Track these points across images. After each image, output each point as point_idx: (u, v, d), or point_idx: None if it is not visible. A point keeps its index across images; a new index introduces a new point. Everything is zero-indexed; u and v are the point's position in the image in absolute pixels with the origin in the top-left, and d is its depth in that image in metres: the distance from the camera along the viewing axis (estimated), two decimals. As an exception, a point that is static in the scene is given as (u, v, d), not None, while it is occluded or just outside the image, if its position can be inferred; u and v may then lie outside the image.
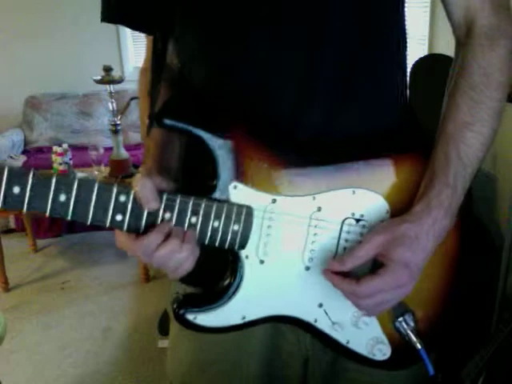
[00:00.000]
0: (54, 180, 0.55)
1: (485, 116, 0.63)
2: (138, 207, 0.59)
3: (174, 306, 0.65)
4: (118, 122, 2.75)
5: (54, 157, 2.78)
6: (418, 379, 0.75)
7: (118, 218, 0.58)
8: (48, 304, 2.60)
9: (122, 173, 2.73)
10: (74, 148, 3.46)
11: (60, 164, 2.76)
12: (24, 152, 3.79)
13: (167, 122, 0.60)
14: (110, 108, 2.80)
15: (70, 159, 2.82)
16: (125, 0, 0.71)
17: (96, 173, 2.82)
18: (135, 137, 3.76)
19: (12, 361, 2.18)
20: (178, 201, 0.60)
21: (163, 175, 0.65)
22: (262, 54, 0.64)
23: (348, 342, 0.68)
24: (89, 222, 0.58)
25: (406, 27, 0.70)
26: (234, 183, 0.62)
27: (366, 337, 0.68)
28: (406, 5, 0.69)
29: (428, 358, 0.65)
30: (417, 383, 0.76)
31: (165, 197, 0.59)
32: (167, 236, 0.59)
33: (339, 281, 0.61)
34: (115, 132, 2.76)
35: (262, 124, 0.64)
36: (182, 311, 0.64)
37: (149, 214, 0.59)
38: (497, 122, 0.64)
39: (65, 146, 2.86)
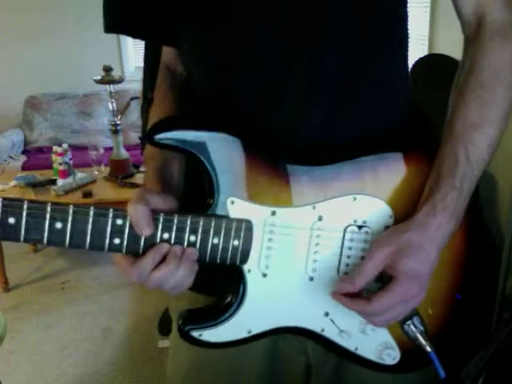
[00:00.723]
0: (48, 209, 0.55)
1: (494, 117, 0.62)
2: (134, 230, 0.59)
3: (180, 323, 0.64)
4: (118, 122, 2.75)
5: (54, 157, 2.78)
6: (422, 380, 0.74)
7: (116, 241, 0.58)
8: (48, 304, 2.60)
9: (122, 173, 2.73)
10: (74, 148, 3.46)
11: (60, 164, 2.76)
12: (24, 152, 3.80)
13: (158, 139, 0.59)
14: (110, 108, 2.80)
15: (70, 159, 2.82)
16: (125, 10, 0.71)
17: (96, 173, 2.82)
18: (135, 137, 3.76)
19: (12, 361, 2.18)
20: (175, 221, 0.59)
21: (165, 190, 0.65)
22: (262, 54, 0.64)
23: (357, 349, 0.67)
24: (87, 248, 0.57)
25: (408, 26, 0.69)
26: (231, 198, 0.61)
27: (374, 342, 0.67)
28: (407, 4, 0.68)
29: (438, 361, 0.64)
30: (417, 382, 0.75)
31: (161, 218, 0.59)
32: (164, 256, 0.59)
33: (349, 302, 0.60)
34: (115, 132, 2.76)
35: (260, 132, 0.64)
36: (187, 329, 0.64)
37: (148, 236, 0.59)
38: (505, 123, 0.63)
39: (65, 146, 2.85)
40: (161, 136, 0.59)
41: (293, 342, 0.73)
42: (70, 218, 0.56)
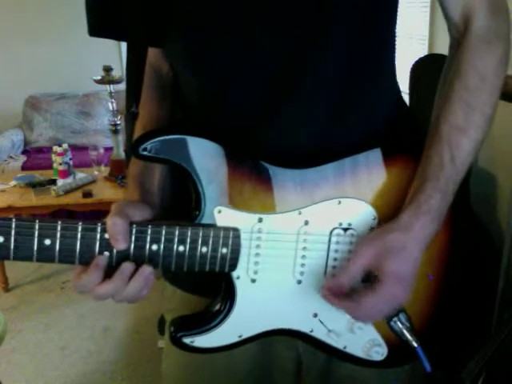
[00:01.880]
0: (37, 226, 0.56)
1: (479, 122, 0.63)
2: None
3: (171, 330, 0.65)
4: (118, 122, 2.76)
5: (54, 157, 2.78)
6: (407, 373, 0.76)
7: (105, 255, 0.59)
8: (48, 304, 2.60)
9: (121, 173, 2.73)
10: (74, 148, 3.47)
11: (60, 164, 2.76)
12: (24, 152, 3.80)
13: (143, 152, 0.60)
14: (110, 108, 2.80)
15: (70, 159, 2.82)
16: (108, 12, 0.69)
17: (96, 173, 2.82)
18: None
19: (12, 361, 2.18)
20: (163, 232, 0.60)
21: (144, 197, 0.66)
22: (262, 54, 0.63)
23: (345, 347, 0.69)
24: (77, 263, 0.58)
25: (396, 28, 0.69)
26: (218, 207, 0.62)
27: (362, 340, 0.69)
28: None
29: (424, 356, 0.66)
30: (406, 376, 0.77)
31: (150, 230, 0.59)
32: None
33: (336, 301, 0.62)
34: (115, 132, 2.77)
35: (245, 139, 0.64)
36: (179, 335, 0.65)
37: (136, 248, 0.59)
38: (488, 127, 0.64)
39: (65, 145, 2.86)
40: (145, 146, 0.60)
41: (283, 339, 0.73)
42: (58, 235, 0.57)
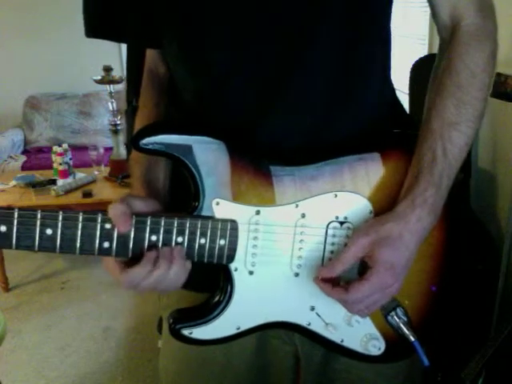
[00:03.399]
0: (39, 216, 0.57)
1: (470, 117, 0.64)
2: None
3: (170, 322, 0.66)
4: (118, 122, 2.76)
5: (54, 157, 2.78)
6: (403, 369, 0.76)
7: (106, 245, 0.59)
8: (48, 304, 2.60)
9: (122, 173, 2.73)
10: (74, 148, 3.47)
11: (60, 164, 2.76)
12: (24, 152, 3.80)
13: (143, 145, 0.61)
14: (110, 108, 2.81)
15: (70, 159, 2.82)
16: (104, 14, 0.70)
17: (96, 173, 2.82)
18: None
19: (12, 361, 2.18)
20: (162, 223, 0.61)
21: (150, 194, 0.67)
22: (254, 53, 0.64)
23: (342, 341, 0.69)
24: (78, 252, 0.59)
25: (391, 25, 0.70)
26: (216, 199, 0.63)
27: (359, 334, 0.69)
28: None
29: (422, 350, 0.66)
30: (402, 373, 0.77)
31: (149, 220, 0.60)
32: (155, 261, 0.60)
33: (329, 289, 0.62)
34: (115, 132, 2.77)
35: (244, 135, 0.65)
36: (177, 327, 0.66)
37: (135, 238, 0.60)
38: (479, 123, 0.65)
39: (65, 145, 2.86)
40: (146, 141, 0.61)
41: (280, 333, 0.74)
42: (59, 225, 0.58)
